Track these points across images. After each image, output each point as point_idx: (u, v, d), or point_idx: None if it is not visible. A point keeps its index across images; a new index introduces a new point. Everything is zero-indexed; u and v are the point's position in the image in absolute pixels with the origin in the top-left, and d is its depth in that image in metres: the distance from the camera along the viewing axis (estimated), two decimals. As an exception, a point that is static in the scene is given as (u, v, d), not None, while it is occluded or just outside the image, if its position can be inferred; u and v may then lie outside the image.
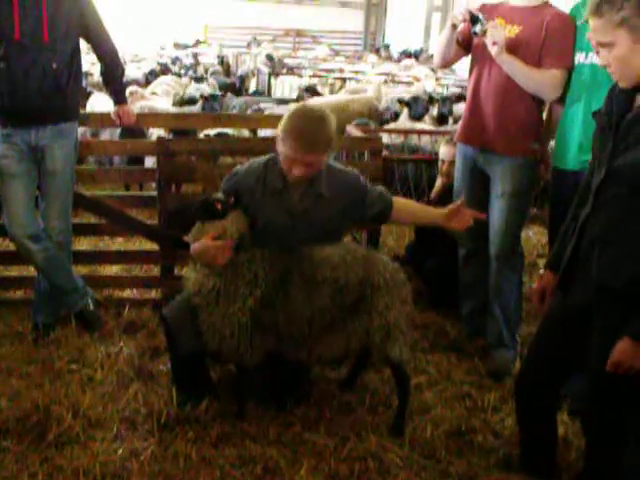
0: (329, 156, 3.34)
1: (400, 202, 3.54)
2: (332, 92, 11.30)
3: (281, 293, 3.18)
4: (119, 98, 4.41)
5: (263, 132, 6.94)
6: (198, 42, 22.07)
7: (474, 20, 3.67)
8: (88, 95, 8.67)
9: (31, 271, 4.37)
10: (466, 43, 3.98)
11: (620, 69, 2.41)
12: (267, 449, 3.20)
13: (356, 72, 13.67)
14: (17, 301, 4.62)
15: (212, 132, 6.61)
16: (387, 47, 23.78)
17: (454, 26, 3.84)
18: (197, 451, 3.18)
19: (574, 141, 3.65)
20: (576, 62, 3.64)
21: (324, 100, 9.28)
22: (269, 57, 14.75)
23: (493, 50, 3.65)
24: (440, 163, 4.82)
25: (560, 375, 2.88)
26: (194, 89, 9.99)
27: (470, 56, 4.04)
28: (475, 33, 3.71)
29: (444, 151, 4.73)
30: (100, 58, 4.26)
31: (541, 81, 3.69)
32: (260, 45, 21.67)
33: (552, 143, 4.01)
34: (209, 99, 8.72)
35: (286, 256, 3.23)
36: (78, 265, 4.64)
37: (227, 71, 16.42)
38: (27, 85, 3.78)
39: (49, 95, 3.86)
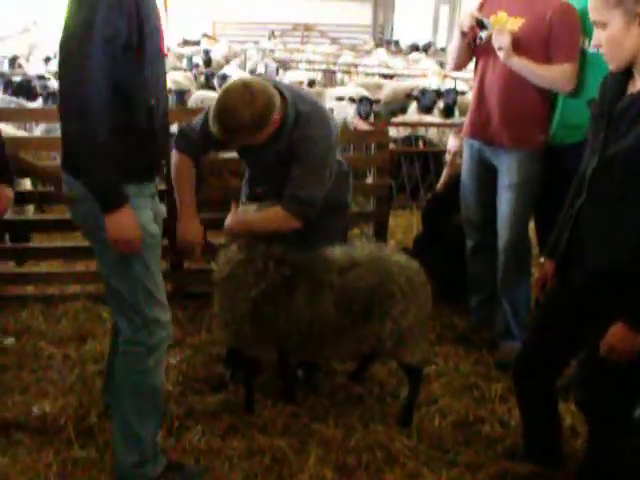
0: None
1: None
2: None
3: (284, 291, 3.16)
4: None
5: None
6: (205, 36, 22.06)
7: (480, 24, 3.72)
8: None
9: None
10: (476, 45, 3.98)
11: (611, 50, 2.42)
12: (275, 440, 3.22)
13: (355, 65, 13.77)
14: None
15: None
16: (397, 43, 23.73)
17: (463, 33, 3.87)
18: (206, 443, 3.21)
19: (555, 117, 3.83)
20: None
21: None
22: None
23: (500, 55, 3.68)
24: (447, 154, 4.84)
25: (557, 360, 2.89)
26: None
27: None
28: (481, 39, 3.76)
29: (450, 142, 4.75)
30: None
31: (552, 78, 3.70)
32: (270, 39, 21.78)
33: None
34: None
35: (298, 257, 3.23)
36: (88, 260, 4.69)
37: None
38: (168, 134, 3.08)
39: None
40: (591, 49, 3.60)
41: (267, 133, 3.07)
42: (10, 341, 4.11)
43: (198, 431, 3.29)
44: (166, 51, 3.13)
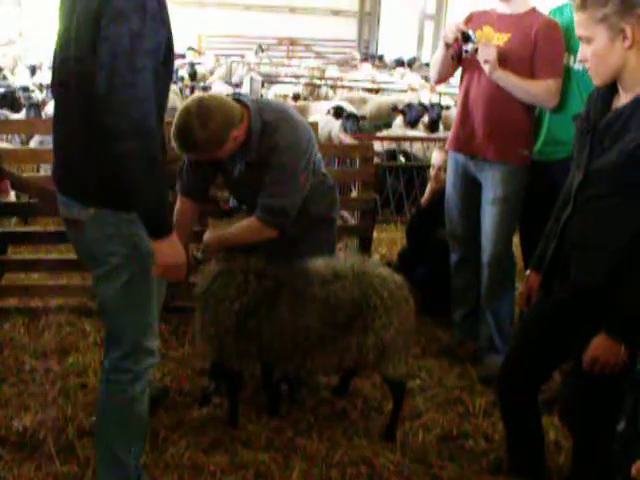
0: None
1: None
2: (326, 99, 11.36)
3: (267, 304, 3.16)
4: None
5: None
6: (191, 49, 22.09)
7: (465, 38, 3.72)
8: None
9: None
10: (460, 57, 3.99)
11: (595, 65, 2.45)
12: (259, 454, 3.20)
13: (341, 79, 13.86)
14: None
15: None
16: (381, 57, 23.88)
17: (447, 45, 3.87)
18: (189, 458, 3.18)
19: (541, 133, 3.88)
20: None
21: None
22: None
23: (486, 68, 3.70)
24: (431, 168, 4.86)
25: (540, 373, 2.90)
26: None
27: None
28: (466, 51, 3.76)
29: (434, 156, 4.77)
30: None
31: (536, 93, 3.73)
32: (257, 53, 21.80)
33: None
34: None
35: (280, 269, 3.23)
36: (71, 273, 4.65)
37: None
38: None
39: None
40: (577, 64, 3.64)
41: (230, 148, 3.11)
42: (-9, 354, 4.08)
43: (182, 446, 3.26)
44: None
